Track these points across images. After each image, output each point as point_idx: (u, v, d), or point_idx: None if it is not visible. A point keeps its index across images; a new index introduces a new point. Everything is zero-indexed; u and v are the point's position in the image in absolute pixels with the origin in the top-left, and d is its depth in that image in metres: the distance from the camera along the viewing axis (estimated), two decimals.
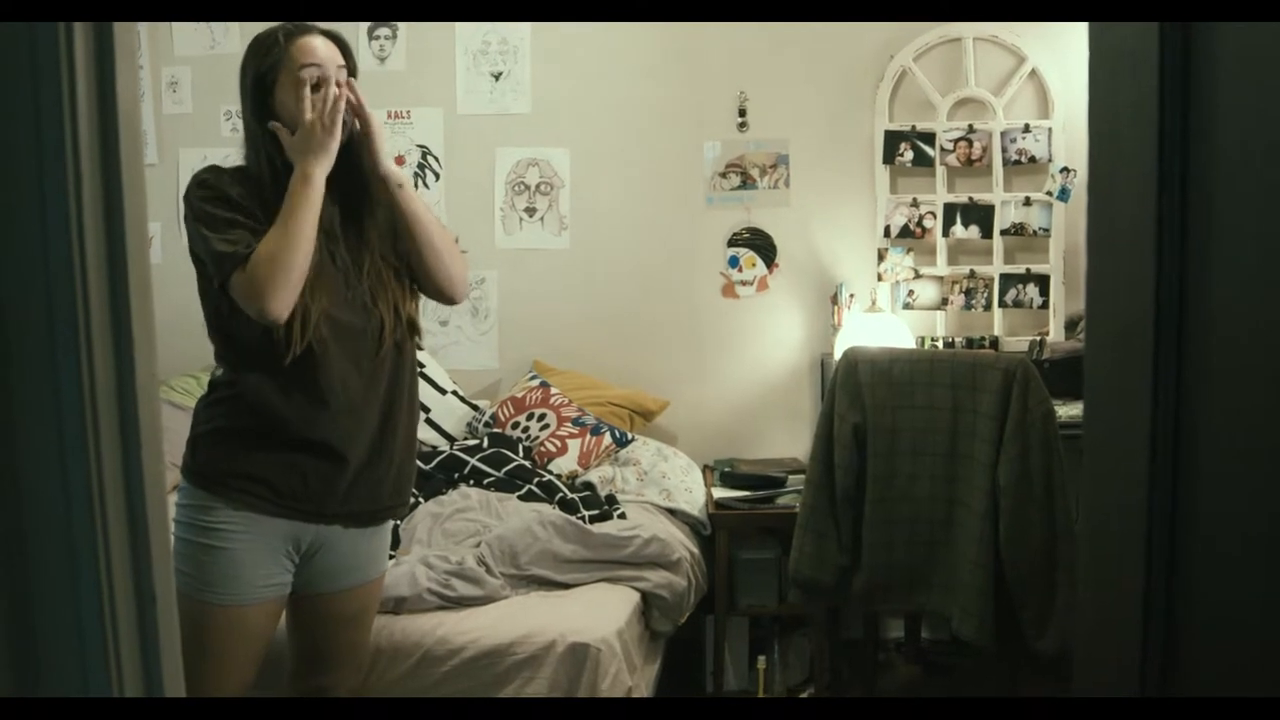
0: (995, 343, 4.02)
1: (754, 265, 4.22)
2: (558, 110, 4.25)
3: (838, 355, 3.30)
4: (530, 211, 4.28)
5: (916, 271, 4.11)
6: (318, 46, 2.16)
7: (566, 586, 3.03)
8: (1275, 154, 0.90)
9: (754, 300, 4.24)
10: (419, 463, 3.63)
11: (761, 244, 4.21)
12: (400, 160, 4.25)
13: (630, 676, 2.73)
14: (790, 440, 4.24)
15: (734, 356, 4.26)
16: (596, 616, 2.81)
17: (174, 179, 4.33)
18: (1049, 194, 4.03)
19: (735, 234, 4.22)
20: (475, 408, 4.07)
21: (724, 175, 4.21)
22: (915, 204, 4.12)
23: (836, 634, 3.89)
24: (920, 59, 4.11)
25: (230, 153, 4.20)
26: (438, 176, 4.29)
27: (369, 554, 2.32)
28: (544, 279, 4.29)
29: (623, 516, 3.44)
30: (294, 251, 2.02)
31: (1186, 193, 0.99)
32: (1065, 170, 3.99)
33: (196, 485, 2.14)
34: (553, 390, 4.01)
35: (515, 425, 3.92)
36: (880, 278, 4.11)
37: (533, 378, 4.11)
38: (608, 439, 3.88)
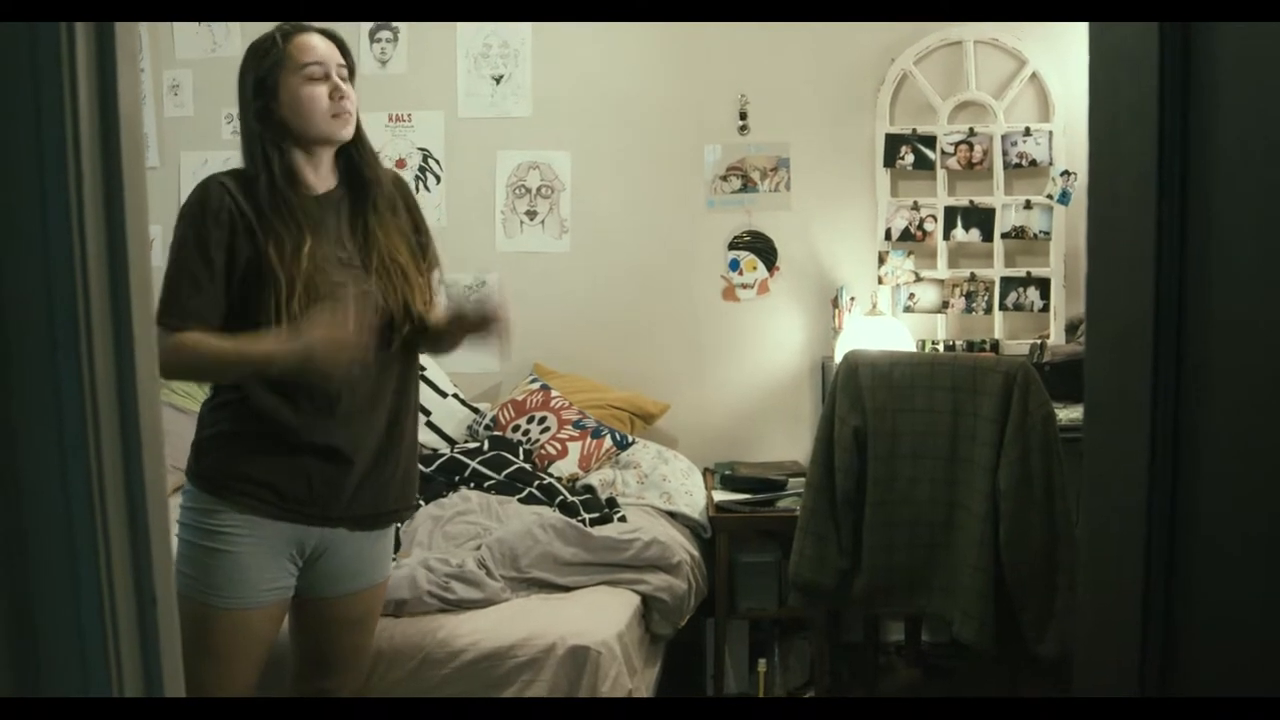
0: (996, 346, 4.02)
1: (755, 268, 4.22)
2: (558, 113, 4.25)
3: (838, 358, 3.30)
4: (531, 214, 4.29)
5: (917, 275, 4.11)
6: (317, 44, 2.17)
7: (567, 589, 3.03)
8: (1275, 155, 0.90)
9: (754, 303, 4.24)
10: (420, 465, 3.63)
11: (762, 247, 4.21)
12: (401, 163, 4.25)
13: (630, 679, 2.73)
14: (790, 443, 4.23)
15: (734, 360, 4.26)
16: (597, 619, 2.80)
17: (175, 182, 4.34)
18: (1049, 197, 4.03)
19: (736, 237, 4.22)
20: (476, 410, 4.07)
21: (725, 178, 4.21)
22: (916, 207, 4.12)
23: (837, 637, 3.88)
24: (921, 62, 4.11)
25: (230, 156, 4.22)
26: (439, 179, 4.29)
27: (373, 558, 2.32)
28: (545, 282, 4.29)
29: (623, 519, 3.44)
30: (207, 378, 2.11)
31: (1186, 195, 0.99)
32: (1066, 173, 3.99)
33: (201, 489, 2.14)
34: (553, 393, 4.01)
35: (516, 428, 3.92)
36: (881, 281, 4.11)
37: (533, 381, 4.11)
38: (608, 442, 3.88)
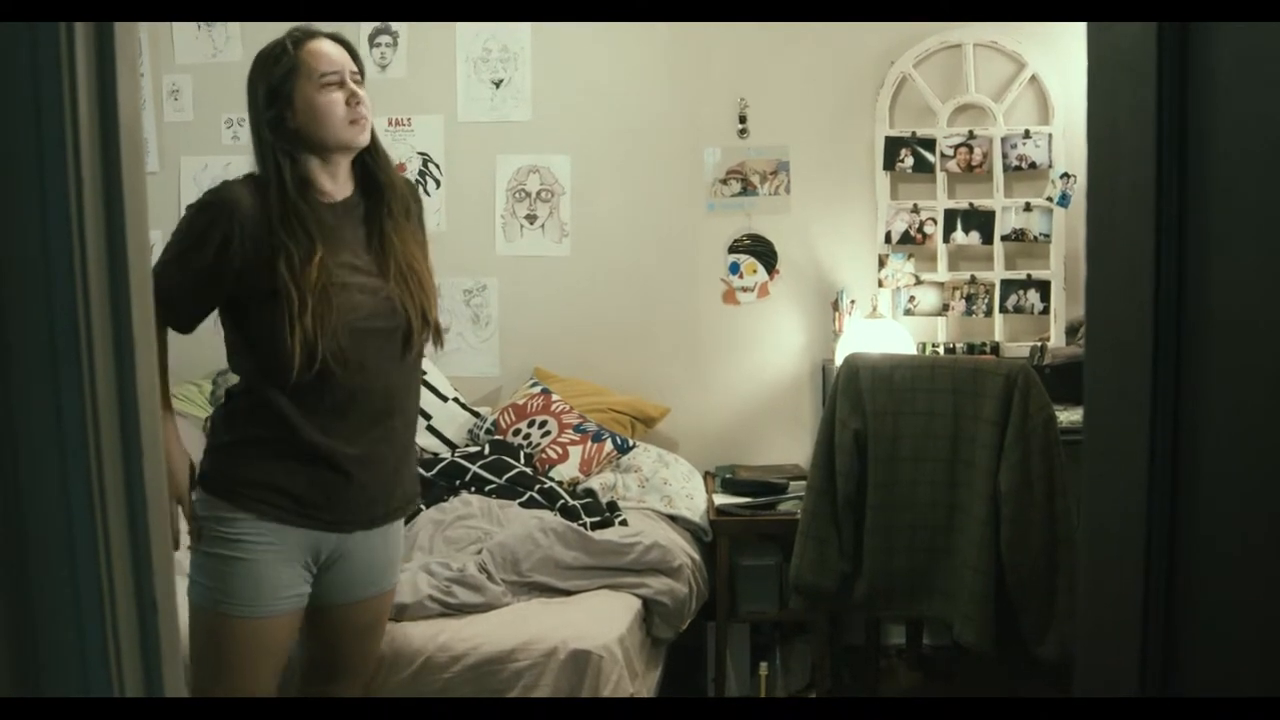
0: (996, 348, 4.02)
1: (755, 272, 4.22)
2: (558, 117, 4.25)
3: (839, 361, 3.30)
4: (531, 219, 4.29)
5: (917, 277, 4.11)
6: (330, 50, 2.16)
7: (568, 593, 3.03)
8: (1274, 155, 0.90)
9: (755, 307, 4.24)
10: (420, 469, 3.63)
11: (762, 250, 4.22)
12: (401, 168, 4.25)
13: (632, 683, 2.73)
14: (791, 446, 4.23)
15: (735, 363, 4.26)
16: (598, 623, 2.80)
17: (175, 187, 4.34)
18: (1049, 200, 4.03)
19: (736, 240, 4.22)
20: (476, 414, 4.07)
21: (724, 182, 4.21)
22: (916, 210, 4.12)
23: (838, 640, 3.88)
24: (920, 65, 4.11)
25: (231, 161, 4.25)
26: (438, 184, 4.29)
27: (384, 564, 2.33)
28: (545, 286, 4.29)
29: (624, 523, 3.44)
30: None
31: (1185, 197, 0.99)
32: (1065, 176, 3.99)
33: (217, 496, 2.12)
34: (554, 397, 4.01)
35: (516, 432, 3.92)
36: (881, 284, 4.11)
37: (534, 384, 4.11)
38: (609, 446, 3.88)
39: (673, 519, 3.62)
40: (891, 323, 3.98)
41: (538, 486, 3.58)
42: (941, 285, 4.12)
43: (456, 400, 4.07)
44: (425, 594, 2.84)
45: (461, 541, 3.23)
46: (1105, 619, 1.15)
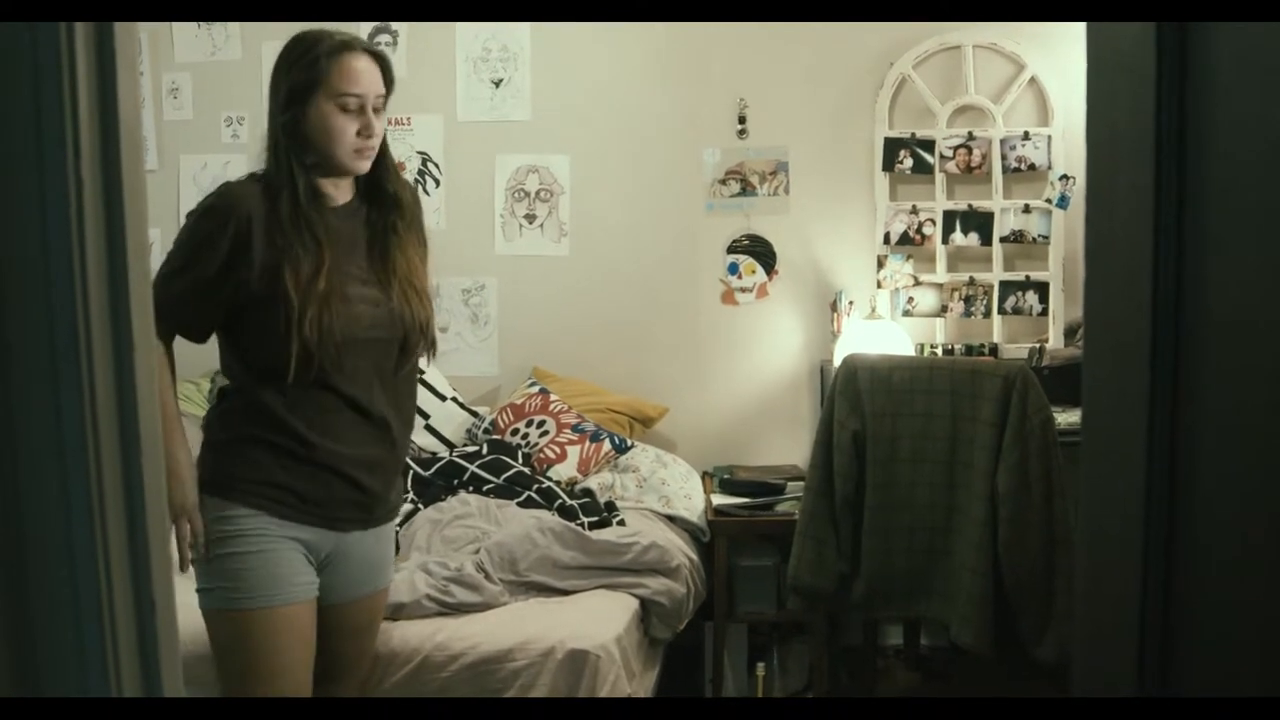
0: (995, 350, 4.02)
1: (753, 272, 4.22)
2: (558, 117, 4.25)
3: (837, 362, 3.30)
4: (530, 218, 4.29)
5: (916, 278, 4.11)
6: (361, 72, 2.12)
7: (565, 593, 3.03)
8: (1273, 156, 0.90)
9: (753, 307, 4.24)
10: (418, 468, 3.64)
11: (761, 251, 4.22)
12: (401, 167, 4.24)
13: (629, 683, 2.73)
14: (790, 447, 4.23)
15: (733, 363, 4.26)
16: (595, 623, 2.80)
17: (174, 185, 4.34)
18: (1048, 201, 4.03)
19: (735, 241, 4.22)
20: (475, 414, 4.07)
21: (723, 182, 4.21)
22: (915, 211, 4.12)
23: (835, 641, 3.88)
24: (920, 66, 4.11)
25: (230, 159, 4.24)
26: (438, 183, 4.29)
27: (379, 563, 2.33)
28: (543, 286, 4.29)
29: (622, 523, 3.44)
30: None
31: (1184, 198, 0.99)
32: (1064, 177, 3.99)
33: (217, 495, 2.11)
34: (552, 397, 4.01)
35: (515, 432, 3.92)
36: (880, 285, 4.12)
37: (532, 384, 4.11)
38: (607, 446, 3.88)
39: (670, 519, 3.62)
40: (890, 324, 3.98)
41: (536, 486, 3.58)
42: (940, 286, 4.13)
43: (455, 400, 4.07)
44: (423, 593, 2.84)
45: (459, 541, 3.23)
46: (1103, 620, 1.15)
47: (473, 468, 3.64)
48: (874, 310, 4.03)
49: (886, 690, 3.83)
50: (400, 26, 4.26)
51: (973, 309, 4.11)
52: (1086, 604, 1.20)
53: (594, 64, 4.22)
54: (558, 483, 3.67)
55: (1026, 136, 4.06)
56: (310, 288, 2.05)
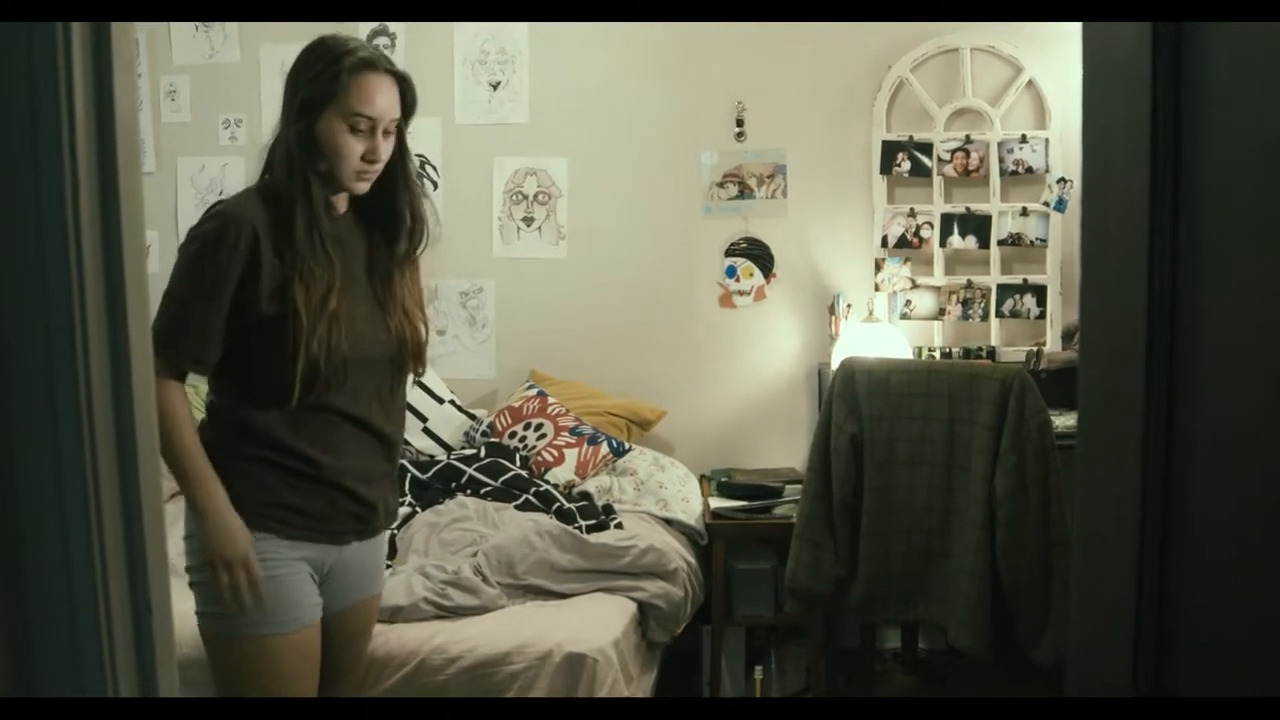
0: (992, 353, 4.02)
1: (751, 275, 4.23)
2: (556, 120, 4.25)
3: (835, 365, 3.30)
4: (528, 221, 4.29)
5: (914, 281, 4.11)
6: (378, 94, 2.05)
7: (563, 596, 3.03)
8: (1268, 157, 0.90)
9: (751, 310, 4.24)
10: (416, 471, 3.64)
11: (759, 254, 4.22)
12: None
13: (627, 687, 2.73)
14: (787, 450, 4.23)
15: (731, 366, 4.26)
16: (593, 626, 2.80)
17: (172, 187, 4.34)
18: (1046, 204, 4.04)
19: (732, 244, 4.23)
20: (472, 417, 4.07)
21: (721, 185, 4.21)
22: (912, 214, 4.12)
23: (833, 644, 3.88)
24: (917, 69, 4.12)
25: (228, 161, 4.24)
26: (435, 186, 4.29)
27: (373, 568, 2.32)
28: (541, 288, 4.29)
29: (619, 526, 3.44)
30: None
31: (1179, 201, 1.00)
32: (1062, 181, 4.00)
33: None
34: (550, 400, 4.01)
35: (512, 435, 3.92)
36: (877, 288, 4.12)
37: (530, 387, 4.11)
38: (605, 449, 3.88)
39: (668, 522, 3.62)
40: (888, 327, 3.98)
41: (533, 489, 3.58)
42: (938, 289, 4.13)
43: (452, 403, 4.07)
44: (420, 596, 2.84)
45: (457, 544, 3.22)
46: (1098, 622, 1.15)
47: (470, 471, 3.64)
48: (871, 313, 4.03)
49: (884, 693, 3.83)
50: (398, 29, 4.26)
51: (970, 312, 4.11)
52: (1082, 606, 1.20)
53: (592, 67, 4.23)
54: (555, 486, 3.67)
55: (1024, 139, 4.06)
56: (323, 304, 2.01)
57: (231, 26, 4.29)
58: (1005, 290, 4.09)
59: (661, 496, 3.71)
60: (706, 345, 4.26)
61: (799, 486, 3.35)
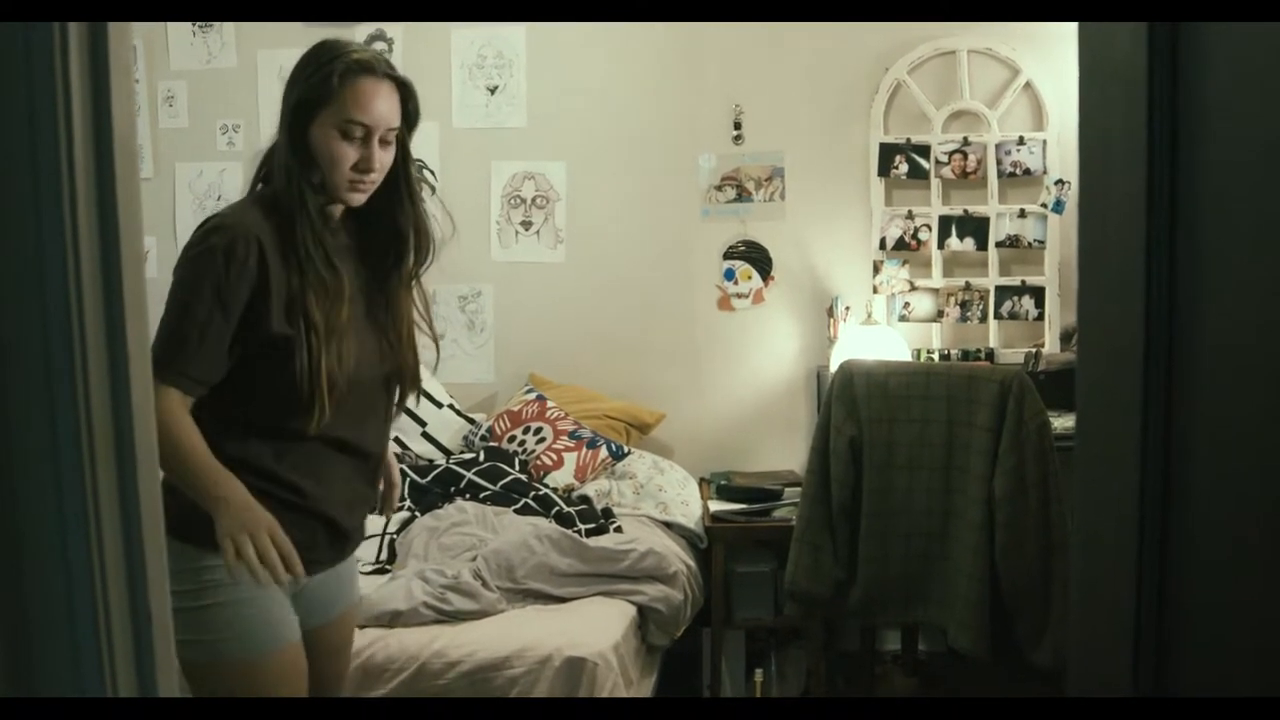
0: (991, 355, 4.03)
1: (749, 278, 4.23)
2: (553, 124, 4.25)
3: (833, 368, 3.30)
4: (526, 225, 4.29)
5: (912, 284, 4.11)
6: (374, 99, 1.93)
7: (563, 600, 3.02)
8: (1265, 161, 0.90)
9: (750, 313, 4.24)
10: (415, 476, 3.63)
11: (757, 256, 4.22)
12: None
13: (627, 690, 2.73)
14: (786, 453, 4.23)
15: (730, 369, 4.26)
16: (593, 630, 2.80)
17: (169, 193, 4.34)
18: (1044, 206, 4.04)
19: (731, 246, 4.23)
20: (471, 421, 4.07)
21: (719, 188, 4.21)
22: (910, 216, 4.12)
23: (833, 646, 3.88)
24: (915, 72, 4.12)
25: (226, 166, 4.24)
26: (433, 190, 4.27)
27: (348, 578, 2.21)
28: (540, 292, 4.29)
29: (619, 530, 3.44)
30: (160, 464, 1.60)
31: (1177, 203, 1.00)
32: (1060, 182, 4.00)
33: (194, 543, 1.88)
34: (549, 403, 4.00)
35: (511, 439, 3.92)
36: (876, 290, 4.12)
37: (529, 391, 4.11)
38: (604, 452, 3.87)
39: (668, 525, 3.62)
40: (886, 329, 3.98)
41: (533, 493, 3.58)
42: (936, 291, 4.13)
43: (451, 406, 4.07)
44: (420, 601, 2.83)
45: (456, 548, 3.22)
46: (1098, 624, 1.15)
47: (470, 475, 3.64)
48: (870, 315, 4.03)
49: (884, 695, 3.82)
50: (395, 33, 4.26)
51: (969, 314, 4.11)
52: (1081, 607, 1.20)
53: (589, 70, 4.23)
54: (555, 490, 3.67)
55: (1021, 141, 4.07)
56: (336, 320, 1.91)
57: (229, 32, 4.29)
58: (1003, 292, 4.10)
59: (661, 500, 3.71)
60: (705, 348, 4.26)
61: (798, 489, 3.35)
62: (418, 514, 3.45)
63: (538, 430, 3.91)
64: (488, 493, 3.58)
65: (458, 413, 4.07)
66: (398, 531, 3.36)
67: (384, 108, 1.94)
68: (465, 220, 4.25)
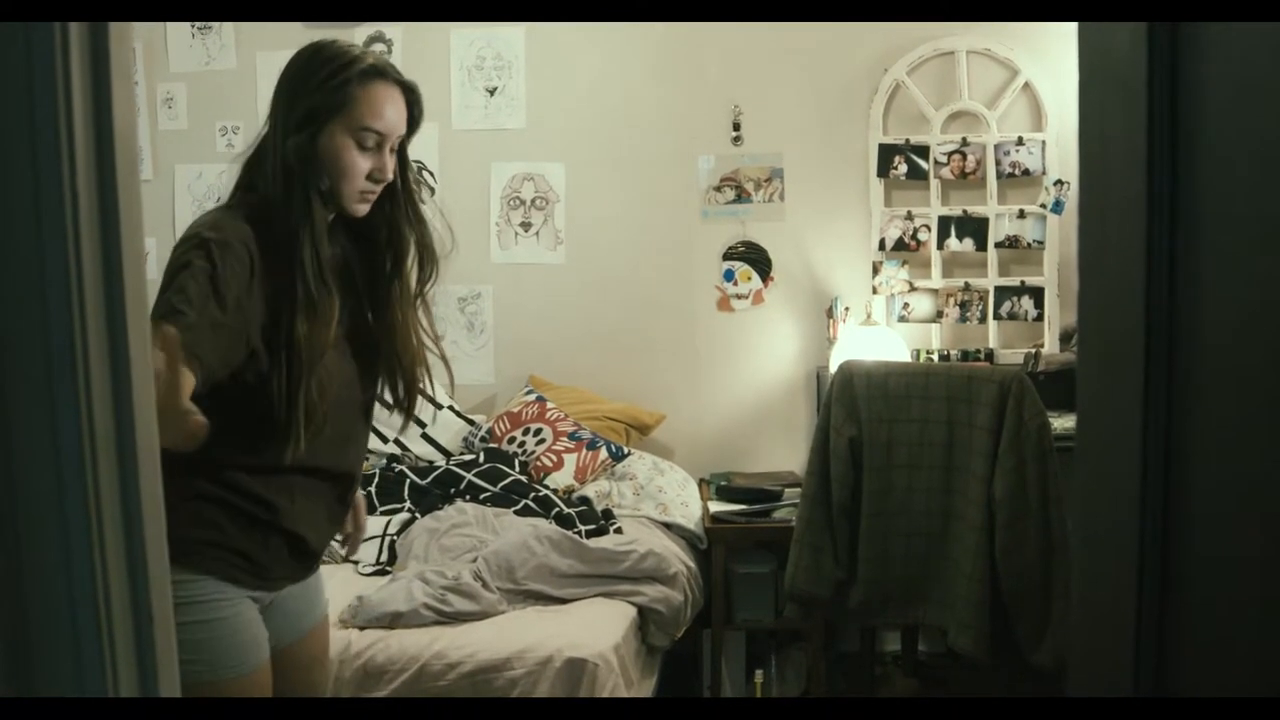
0: (990, 355, 4.03)
1: (749, 279, 4.23)
2: (553, 125, 4.26)
3: (833, 368, 3.30)
4: (526, 226, 4.29)
5: (911, 284, 4.12)
6: (389, 106, 1.85)
7: (563, 601, 3.02)
8: (1265, 162, 0.90)
9: (749, 314, 4.24)
10: (415, 477, 3.63)
11: (756, 257, 4.22)
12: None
13: (627, 691, 2.73)
14: (786, 454, 4.24)
15: (729, 370, 4.26)
16: (593, 631, 2.80)
17: (169, 195, 4.34)
18: (1043, 206, 4.04)
19: (730, 248, 4.23)
20: (471, 422, 4.07)
21: (719, 189, 4.22)
22: (909, 217, 4.13)
23: (833, 648, 3.88)
24: (914, 72, 4.12)
25: (225, 169, 4.23)
26: (433, 192, 4.29)
27: (314, 590, 2.13)
28: (539, 294, 4.29)
29: (619, 531, 3.44)
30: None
31: (1177, 204, 1.00)
32: (1059, 183, 4.00)
33: (171, 560, 1.84)
34: (549, 405, 4.01)
35: (511, 440, 3.92)
36: (875, 291, 4.12)
37: (529, 392, 4.11)
38: (604, 453, 3.88)
39: (668, 526, 3.62)
40: (886, 330, 3.98)
41: (533, 494, 3.58)
42: (935, 292, 4.13)
43: (451, 408, 4.07)
44: (420, 602, 2.83)
45: (456, 550, 3.22)
46: (1098, 625, 1.15)
47: (470, 476, 3.64)
48: (869, 316, 4.03)
49: (884, 696, 3.82)
50: (395, 35, 4.27)
51: (968, 314, 4.11)
52: (1082, 608, 1.20)
53: (588, 71, 4.23)
54: (555, 491, 3.67)
55: (1020, 142, 4.07)
56: (317, 346, 1.79)
57: (228, 34, 4.29)
58: (1003, 292, 4.10)
59: (661, 501, 3.71)
60: (705, 349, 4.27)
61: (798, 490, 3.35)
62: (418, 515, 3.45)
63: (538, 431, 3.91)
64: (488, 494, 3.58)
65: (458, 414, 4.08)
66: (398, 533, 3.36)
67: (397, 115, 1.87)
68: (465, 222, 4.27)
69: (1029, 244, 4.07)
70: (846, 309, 4.04)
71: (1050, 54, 4.02)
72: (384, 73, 1.86)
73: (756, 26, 4.10)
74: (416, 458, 3.89)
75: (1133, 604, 1.05)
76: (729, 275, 4.24)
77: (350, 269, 1.95)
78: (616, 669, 2.70)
